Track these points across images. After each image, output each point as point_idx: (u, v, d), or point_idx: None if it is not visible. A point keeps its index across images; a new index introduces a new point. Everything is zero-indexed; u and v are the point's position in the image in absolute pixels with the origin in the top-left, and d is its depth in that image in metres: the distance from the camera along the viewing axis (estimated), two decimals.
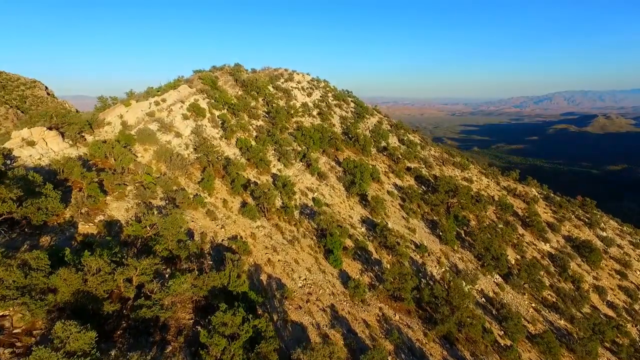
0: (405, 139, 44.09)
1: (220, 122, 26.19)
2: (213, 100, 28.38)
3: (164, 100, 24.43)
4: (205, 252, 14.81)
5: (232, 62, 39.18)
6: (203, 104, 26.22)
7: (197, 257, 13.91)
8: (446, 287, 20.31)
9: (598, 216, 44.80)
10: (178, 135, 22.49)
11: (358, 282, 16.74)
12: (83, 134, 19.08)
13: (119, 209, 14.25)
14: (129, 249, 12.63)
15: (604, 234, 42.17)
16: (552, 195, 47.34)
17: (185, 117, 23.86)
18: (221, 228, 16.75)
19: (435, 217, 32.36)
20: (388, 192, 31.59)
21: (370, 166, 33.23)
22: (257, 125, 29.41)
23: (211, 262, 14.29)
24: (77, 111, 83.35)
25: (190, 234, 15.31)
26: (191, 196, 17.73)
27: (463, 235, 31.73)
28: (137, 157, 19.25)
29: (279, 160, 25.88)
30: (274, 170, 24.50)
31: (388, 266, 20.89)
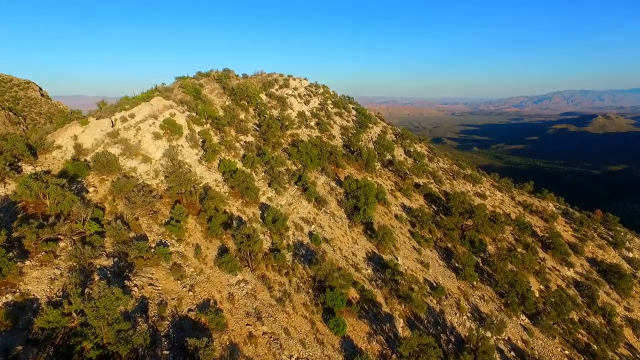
0: (411, 150, 40.27)
1: (200, 140, 22.30)
2: (194, 114, 24.50)
3: (132, 116, 20.52)
4: (162, 334, 10.94)
5: (235, 66, 35.32)
6: (181, 118, 22.32)
7: (147, 349, 10.05)
8: (473, 348, 16.55)
9: (622, 234, 41.05)
10: (146, 159, 18.60)
11: (366, 357, 12.94)
12: (20, 164, 15.21)
13: (41, 280, 10.39)
14: (41, 349, 8.78)
15: (631, 254, 38.45)
16: (571, 210, 43.63)
17: (156, 137, 19.96)
18: (189, 291, 12.87)
19: (449, 244, 28.59)
20: (396, 216, 27.76)
21: (376, 185, 29.39)
22: (245, 142, 25.54)
23: (167, 352, 10.43)
24: (71, 113, 79.59)
25: (142, 306, 11.45)
26: (153, 245, 13.86)
27: (481, 264, 27.94)
28: (88, 192, 15.36)
29: (269, 185, 22.01)
30: (263, 199, 20.63)
31: (401, 321, 17.11)
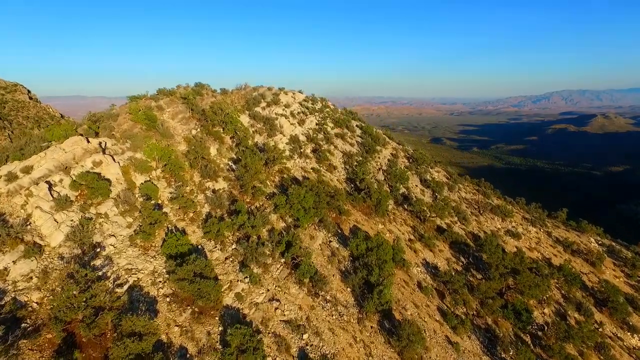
0: (428, 178, 33.22)
1: (141, 200, 15.11)
2: (139, 154, 17.29)
3: (26, 171, 13.29)
4: None
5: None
6: (111, 168, 15.12)
7: None
8: None
9: None
10: (31, 251, 11.36)
11: None
12: None
13: None
14: None
15: None
16: (617, 246, 36.77)
17: (60, 205, 12.73)
18: None
19: (489, 319, 21.53)
20: (419, 285, 20.67)
21: (391, 240, 22.34)
22: (213, 191, 18.37)
23: None
24: (61, 116, 73.24)
25: None
26: None
27: (531, 344, 20.98)
28: None
29: (241, 267, 14.80)
30: (229, 299, 13.38)
31: None
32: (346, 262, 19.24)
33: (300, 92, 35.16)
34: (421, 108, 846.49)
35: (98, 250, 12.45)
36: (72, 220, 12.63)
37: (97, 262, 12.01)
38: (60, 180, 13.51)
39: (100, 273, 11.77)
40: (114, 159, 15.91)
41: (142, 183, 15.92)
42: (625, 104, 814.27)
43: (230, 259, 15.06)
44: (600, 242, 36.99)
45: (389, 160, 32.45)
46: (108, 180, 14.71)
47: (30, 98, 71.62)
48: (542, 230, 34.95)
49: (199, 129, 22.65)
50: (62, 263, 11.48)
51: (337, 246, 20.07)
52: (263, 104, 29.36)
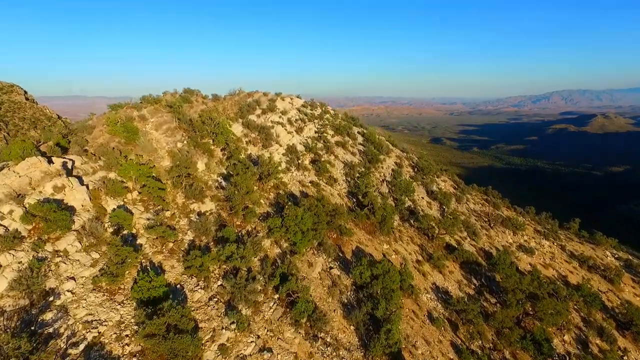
0: (434, 189, 31.12)
1: (111, 230, 12.98)
2: (113, 174, 15.17)
3: None
4: None
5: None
6: (76, 193, 12.99)
7: None
8: None
9: None
10: None
11: None
12: None
13: None
14: None
15: None
16: (635, 260, 34.72)
17: (5, 245, 10.53)
18: None
19: (506, 352, 19.44)
20: (430, 315, 18.57)
21: (399, 263, 20.24)
22: (199, 214, 16.25)
23: None
24: (58, 117, 71.15)
25: None
26: None
27: None
28: None
29: (227, 310, 12.68)
30: (210, 354, 11.19)
31: None
32: (349, 293, 17.12)
33: (298, 97, 33.03)
34: (421, 108, 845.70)
35: (51, 299, 10.31)
36: (20, 263, 10.48)
37: (48, 316, 9.88)
38: (10, 212, 11.36)
39: (51, 330, 9.64)
40: (81, 182, 13.77)
41: (113, 209, 13.78)
42: (625, 103, 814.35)
43: (215, 299, 12.93)
44: (616, 256, 34.95)
45: (393, 170, 30.33)
46: (71, 208, 12.56)
47: (27, 99, 69.99)
48: (555, 243, 32.91)
49: (185, 141, 20.51)
50: (2, 320, 9.35)
51: (339, 273, 17.94)
52: (258, 111, 27.22)
